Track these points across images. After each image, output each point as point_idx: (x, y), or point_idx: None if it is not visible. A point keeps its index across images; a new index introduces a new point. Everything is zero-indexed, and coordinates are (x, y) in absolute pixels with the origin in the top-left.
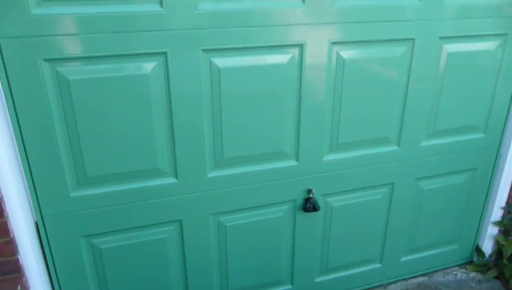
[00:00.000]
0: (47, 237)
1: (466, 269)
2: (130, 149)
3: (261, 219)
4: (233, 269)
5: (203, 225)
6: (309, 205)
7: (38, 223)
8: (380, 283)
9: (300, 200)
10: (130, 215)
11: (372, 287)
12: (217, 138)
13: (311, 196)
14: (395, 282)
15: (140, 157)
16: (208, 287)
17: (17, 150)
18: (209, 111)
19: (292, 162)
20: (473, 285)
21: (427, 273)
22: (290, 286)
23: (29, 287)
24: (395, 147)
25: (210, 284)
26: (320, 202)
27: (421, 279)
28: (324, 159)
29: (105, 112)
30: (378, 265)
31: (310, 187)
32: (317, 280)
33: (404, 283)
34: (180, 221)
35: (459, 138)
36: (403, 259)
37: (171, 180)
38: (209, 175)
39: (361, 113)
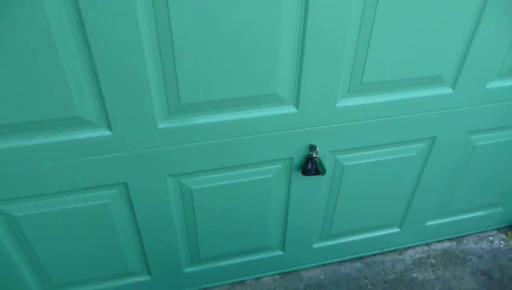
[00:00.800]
0: None
1: (506, 234)
2: (27, 89)
3: (239, 181)
4: (205, 240)
5: (159, 189)
6: (310, 167)
7: None
8: (395, 248)
9: (298, 159)
10: (48, 178)
11: (383, 252)
12: (168, 74)
13: (314, 155)
14: (414, 247)
15: (47, 100)
16: (173, 256)
17: None
18: (149, 23)
19: (289, 109)
20: None
21: (456, 237)
22: (280, 252)
23: None
24: (448, 90)
25: (176, 254)
26: (328, 160)
27: (446, 244)
28: (338, 104)
29: None
30: (396, 230)
31: (313, 143)
32: (316, 245)
33: (425, 248)
34: (125, 184)
35: None
36: (429, 223)
37: (103, 132)
38: (161, 126)
39: (403, 39)
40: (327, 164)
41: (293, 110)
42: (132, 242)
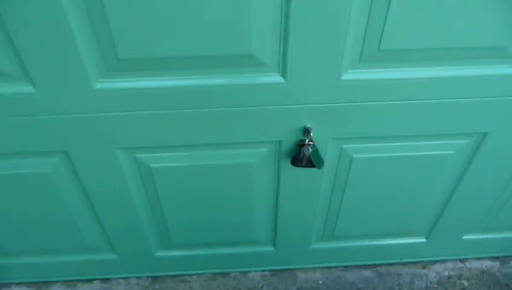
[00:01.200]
0: None
1: None
2: None
3: (210, 163)
4: (174, 224)
5: (109, 162)
6: (302, 155)
7: None
8: (418, 259)
9: (288, 144)
10: None
11: (403, 263)
12: (95, 14)
13: (307, 141)
14: (444, 262)
15: None
16: (138, 236)
17: None
18: None
19: (273, 78)
20: None
21: (501, 257)
22: (271, 248)
23: None
24: None
25: (141, 235)
26: (329, 149)
27: (487, 264)
28: (344, 77)
29: None
30: (421, 239)
31: (308, 125)
32: (315, 246)
33: (458, 265)
34: (66, 153)
35: None
36: (467, 237)
37: (23, 88)
38: (98, 86)
39: None
40: (328, 153)
41: (279, 79)
42: (86, 217)
